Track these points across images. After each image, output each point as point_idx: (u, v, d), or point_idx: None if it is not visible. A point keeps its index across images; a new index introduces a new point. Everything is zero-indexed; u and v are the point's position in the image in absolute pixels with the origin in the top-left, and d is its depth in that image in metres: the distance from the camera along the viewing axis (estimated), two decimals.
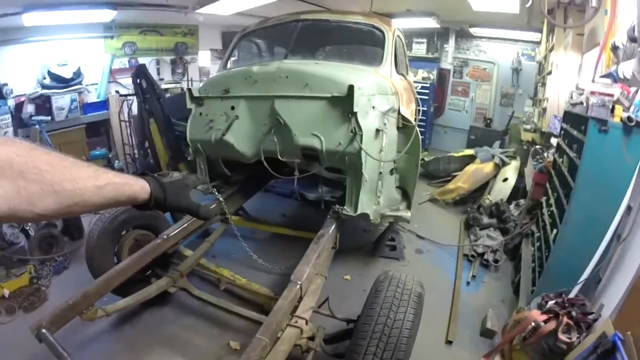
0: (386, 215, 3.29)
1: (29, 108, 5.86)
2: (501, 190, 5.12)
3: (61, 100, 6.12)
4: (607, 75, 2.66)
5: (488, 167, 5.57)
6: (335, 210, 3.08)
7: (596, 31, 3.70)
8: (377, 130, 2.84)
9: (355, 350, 1.90)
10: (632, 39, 2.27)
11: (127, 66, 7.06)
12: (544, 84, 5.96)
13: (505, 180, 5.22)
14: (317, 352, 2.21)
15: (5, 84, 5.43)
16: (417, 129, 3.15)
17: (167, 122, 4.21)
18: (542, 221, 3.51)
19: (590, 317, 2.24)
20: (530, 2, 3.78)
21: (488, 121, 8.13)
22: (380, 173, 3.00)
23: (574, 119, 2.92)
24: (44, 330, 1.94)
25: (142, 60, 7.23)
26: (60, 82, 6.08)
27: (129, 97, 6.30)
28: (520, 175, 5.27)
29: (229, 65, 4.05)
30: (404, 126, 3.20)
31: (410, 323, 1.92)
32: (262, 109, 3.03)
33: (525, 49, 7.78)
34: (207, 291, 3.08)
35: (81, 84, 6.35)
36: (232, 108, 3.11)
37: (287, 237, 4.15)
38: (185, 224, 3.09)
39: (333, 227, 3.00)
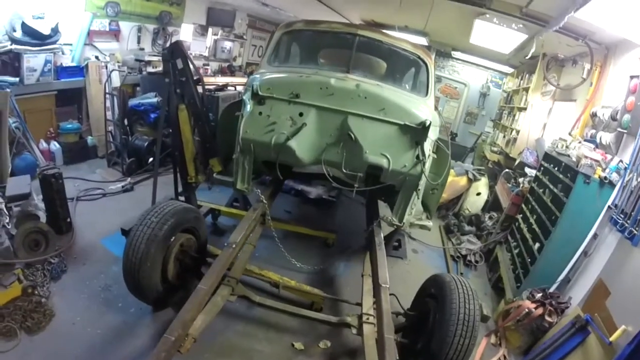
0: (414, 223, 4.22)
1: None
2: (475, 202, 6.63)
3: (34, 60, 5.66)
4: (591, 141, 4.11)
5: (463, 181, 7.00)
6: (382, 219, 3.95)
7: (573, 91, 5.22)
8: (429, 155, 3.60)
9: (447, 334, 2.67)
10: (613, 119, 3.68)
11: (107, 29, 6.87)
12: (511, 113, 7.66)
13: (478, 194, 6.74)
14: (398, 342, 2.92)
15: None
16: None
17: (206, 113, 4.27)
18: (518, 233, 4.97)
19: (563, 305, 3.65)
20: (529, 55, 5.13)
21: (454, 135, 9.82)
22: (419, 189, 3.81)
23: (560, 165, 4.26)
24: None
25: (123, 24, 7.19)
26: (36, 38, 5.58)
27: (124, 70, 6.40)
28: (489, 190, 6.85)
29: (272, 62, 4.25)
30: (437, 150, 4.01)
31: (479, 311, 2.86)
32: (333, 121, 3.39)
33: (495, 77, 9.59)
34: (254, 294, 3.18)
35: (57, 43, 5.96)
36: (301, 114, 3.39)
37: (299, 235, 4.87)
38: (244, 230, 3.40)
39: (381, 234, 3.92)
